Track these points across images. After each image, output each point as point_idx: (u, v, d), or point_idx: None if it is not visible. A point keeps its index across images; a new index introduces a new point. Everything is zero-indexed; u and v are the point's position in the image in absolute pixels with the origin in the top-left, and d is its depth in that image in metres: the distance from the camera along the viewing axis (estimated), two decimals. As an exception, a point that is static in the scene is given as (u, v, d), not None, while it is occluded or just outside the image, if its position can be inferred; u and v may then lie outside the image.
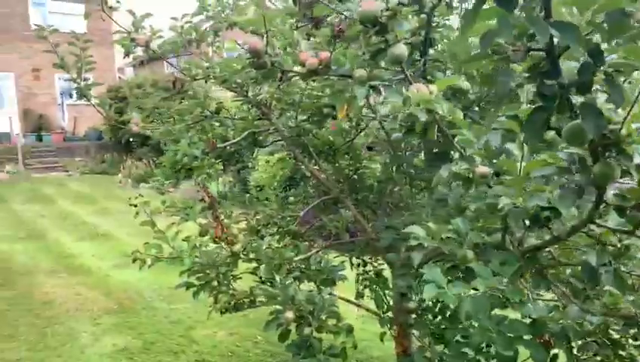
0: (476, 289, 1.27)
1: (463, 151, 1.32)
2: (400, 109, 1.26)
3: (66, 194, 12.21)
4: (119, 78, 24.09)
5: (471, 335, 1.44)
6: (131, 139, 16.60)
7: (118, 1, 2.48)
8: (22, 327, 3.97)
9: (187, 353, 3.67)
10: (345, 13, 1.35)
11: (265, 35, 1.33)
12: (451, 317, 1.89)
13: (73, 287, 5.02)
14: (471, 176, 1.31)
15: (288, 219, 2.85)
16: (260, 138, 2.94)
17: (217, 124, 2.83)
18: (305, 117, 2.69)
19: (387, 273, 2.76)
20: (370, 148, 3.07)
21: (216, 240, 2.14)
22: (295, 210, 3.07)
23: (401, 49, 1.36)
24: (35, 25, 2.21)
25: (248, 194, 3.59)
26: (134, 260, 2.09)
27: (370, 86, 1.60)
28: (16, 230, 7.87)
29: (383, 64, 1.54)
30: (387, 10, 1.29)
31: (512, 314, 1.48)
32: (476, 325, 1.41)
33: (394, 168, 2.38)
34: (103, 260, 6.31)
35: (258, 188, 10.25)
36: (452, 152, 1.42)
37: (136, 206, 2.24)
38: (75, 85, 2.28)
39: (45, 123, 19.40)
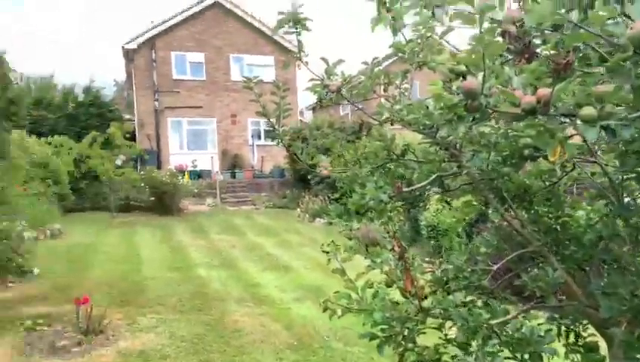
0: None
1: None
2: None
3: (253, 226, 13.41)
4: (300, 120, 26.15)
5: None
6: (309, 177, 17.74)
7: (304, 52, 2.58)
8: (214, 354, 4.32)
9: (363, 401, 3.56)
10: (606, 38, 1.12)
11: (482, 74, 1.18)
12: None
13: (258, 317, 5.34)
14: None
15: (480, 272, 2.57)
16: (447, 181, 2.76)
17: (403, 166, 2.72)
18: (500, 158, 2.44)
19: (603, 344, 2.29)
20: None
21: (405, 293, 1.99)
22: (486, 261, 2.78)
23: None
24: (244, 77, 2.38)
25: (432, 241, 3.38)
26: (325, 309, 2.05)
27: (602, 126, 1.32)
28: (212, 258, 8.82)
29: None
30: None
31: None
32: None
33: (618, 220, 1.98)
34: (285, 292, 6.65)
35: (430, 229, 9.88)
36: None
37: (328, 253, 2.22)
38: (274, 130, 2.39)
39: (239, 161, 21.90)
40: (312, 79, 2.40)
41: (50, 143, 12.68)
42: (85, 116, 15.54)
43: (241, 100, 22.56)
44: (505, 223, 2.70)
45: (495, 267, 2.66)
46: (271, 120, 2.41)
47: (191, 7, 21.80)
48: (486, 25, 1.48)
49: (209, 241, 10.66)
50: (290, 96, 18.79)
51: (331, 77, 2.40)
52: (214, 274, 7.50)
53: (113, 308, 5.23)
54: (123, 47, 21.05)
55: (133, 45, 20.95)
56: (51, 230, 9.75)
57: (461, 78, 1.46)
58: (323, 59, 2.48)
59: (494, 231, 3.12)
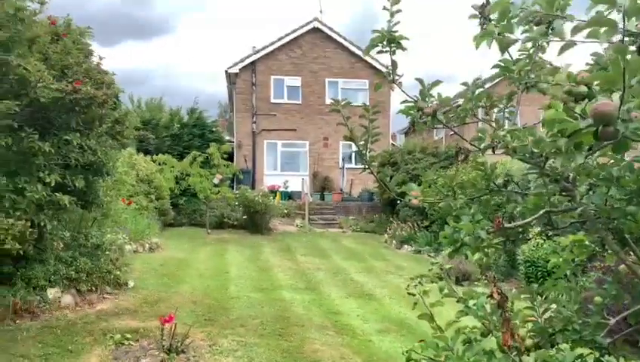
0: None
1: None
2: None
3: (339, 249, 13.30)
4: (392, 144, 25.88)
5: None
6: (398, 202, 17.36)
7: (398, 74, 2.42)
8: (292, 382, 4.19)
9: None
10: None
11: (620, 94, 0.95)
12: None
13: (338, 348, 5.15)
14: None
15: (593, 326, 2.20)
16: (557, 218, 2.43)
17: (504, 199, 2.44)
18: (623, 195, 2.10)
19: None
20: None
21: (505, 347, 1.72)
22: (600, 312, 2.40)
23: None
24: (332, 99, 2.27)
25: (531, 280, 3.01)
26: (408, 360, 1.83)
27: None
28: (297, 280, 8.81)
29: None
30: None
31: None
32: None
33: None
34: (367, 322, 6.40)
35: (528, 264, 9.08)
36: None
37: (414, 295, 2.01)
38: (361, 155, 2.24)
39: (328, 184, 22.06)
40: (404, 101, 2.24)
41: (154, 161, 13.62)
42: (188, 136, 16.55)
43: (333, 124, 22.82)
44: (625, 268, 2.33)
45: (613, 321, 2.28)
46: (358, 144, 2.27)
47: (291, 33, 22.64)
48: (616, 38, 1.23)
49: (295, 262, 10.69)
50: (381, 120, 18.74)
51: (427, 99, 2.22)
52: (298, 298, 7.45)
53: (197, 327, 5.33)
54: (226, 71, 22.31)
55: (235, 69, 22.13)
56: (150, 243, 10.35)
57: (586, 101, 1.22)
58: (418, 79, 2.31)
59: (613, 279, 2.70)
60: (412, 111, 2.17)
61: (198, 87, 57.99)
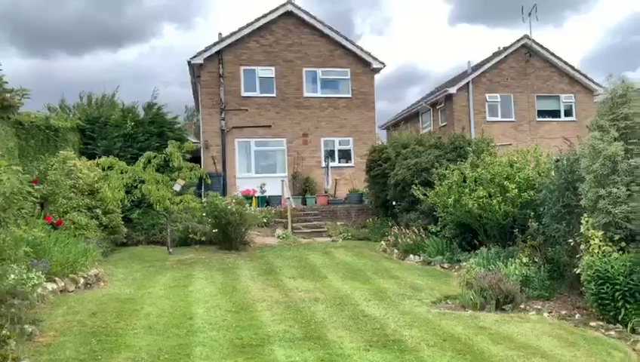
0: None
1: None
2: None
3: (334, 265, 10.80)
4: (379, 141, 23.51)
5: None
6: (394, 203, 14.96)
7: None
8: None
9: None
10: None
11: None
12: None
13: None
14: None
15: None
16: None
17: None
18: None
19: None
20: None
21: None
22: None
23: None
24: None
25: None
26: None
27: None
28: (291, 322, 6.25)
29: None
30: None
31: None
32: None
33: None
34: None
35: (600, 281, 6.52)
36: None
37: None
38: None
39: (310, 186, 19.52)
40: None
41: (98, 165, 10.81)
42: (144, 136, 13.74)
43: (313, 118, 20.32)
44: None
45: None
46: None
47: (262, 17, 20.03)
48: None
49: (283, 291, 8.14)
50: (365, 112, 16.26)
51: None
52: (298, 360, 4.91)
53: None
54: (189, 62, 19.54)
55: (199, 60, 19.40)
56: (86, 277, 7.60)
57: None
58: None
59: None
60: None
61: (172, 92, 54.23)
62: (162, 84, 61.15)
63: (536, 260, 8.99)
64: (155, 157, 10.88)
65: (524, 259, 8.89)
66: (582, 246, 7.39)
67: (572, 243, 7.78)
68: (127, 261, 10.53)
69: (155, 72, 65.85)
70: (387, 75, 67.12)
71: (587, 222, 7.20)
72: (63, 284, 7.03)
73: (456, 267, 10.55)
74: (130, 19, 63.86)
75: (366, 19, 72.57)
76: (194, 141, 19.34)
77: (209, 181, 12.58)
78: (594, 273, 6.77)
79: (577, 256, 7.48)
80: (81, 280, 7.47)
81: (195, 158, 23.38)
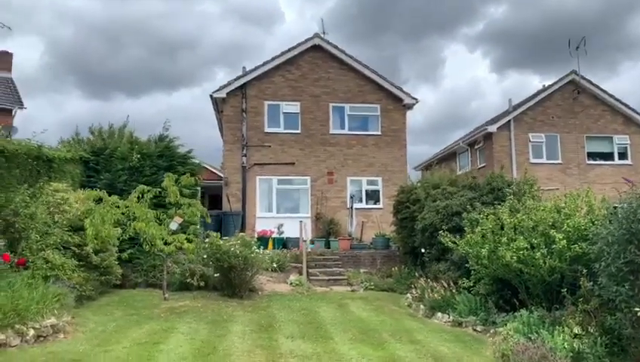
0: None
1: None
2: None
3: (345, 323, 9.26)
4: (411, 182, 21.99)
5: None
6: (422, 250, 13.34)
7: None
8: None
9: None
10: None
11: None
12: None
13: None
14: None
15: None
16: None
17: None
18: None
19: None
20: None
21: None
22: None
23: None
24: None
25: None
26: None
27: None
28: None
29: None
30: None
31: None
32: None
33: None
34: None
35: None
36: None
37: None
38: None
39: (334, 228, 18.12)
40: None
41: (89, 198, 9.86)
42: (151, 169, 12.83)
43: (339, 155, 19.13)
44: None
45: None
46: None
47: (288, 51, 19.31)
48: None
49: (272, 356, 6.70)
50: (396, 151, 14.24)
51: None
52: None
53: None
54: (211, 95, 18.91)
55: (222, 94, 18.74)
56: (38, 328, 6.40)
57: None
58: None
59: None
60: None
61: (211, 134, 54.93)
62: (211, 126, 62.36)
63: (591, 330, 7.21)
64: (148, 191, 9.83)
65: (576, 329, 7.14)
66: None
67: (638, 312, 6.09)
68: (112, 307, 9.37)
69: (205, 114, 67.64)
70: (431, 117, 65.43)
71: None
72: (3, 337, 5.87)
73: (492, 331, 8.81)
74: (184, 65, 66.24)
75: (412, 64, 72.15)
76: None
77: (209, 220, 11.43)
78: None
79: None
80: (31, 332, 6.29)
81: (215, 197, 22.49)
